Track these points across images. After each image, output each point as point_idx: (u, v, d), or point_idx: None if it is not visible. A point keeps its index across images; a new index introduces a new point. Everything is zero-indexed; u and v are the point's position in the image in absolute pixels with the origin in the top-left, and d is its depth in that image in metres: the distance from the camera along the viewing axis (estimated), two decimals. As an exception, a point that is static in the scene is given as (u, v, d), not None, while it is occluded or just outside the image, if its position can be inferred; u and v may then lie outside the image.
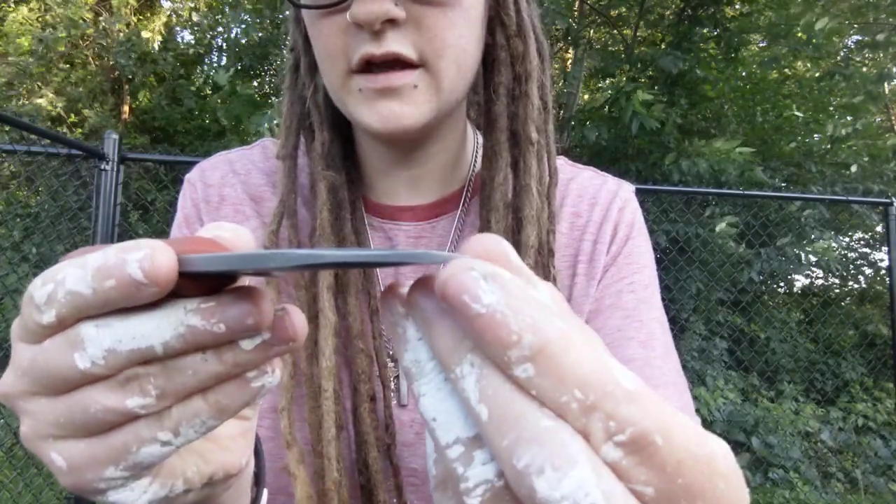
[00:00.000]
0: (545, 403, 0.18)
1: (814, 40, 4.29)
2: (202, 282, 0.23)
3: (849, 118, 5.21)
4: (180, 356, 0.24)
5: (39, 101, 5.90)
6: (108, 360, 0.23)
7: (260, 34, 5.78)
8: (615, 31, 5.53)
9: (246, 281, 0.26)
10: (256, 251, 0.21)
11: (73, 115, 6.17)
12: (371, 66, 0.48)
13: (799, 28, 4.40)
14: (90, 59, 6.32)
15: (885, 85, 4.97)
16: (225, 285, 0.25)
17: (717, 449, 0.19)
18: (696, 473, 0.18)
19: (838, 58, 5.04)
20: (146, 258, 0.21)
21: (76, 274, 0.23)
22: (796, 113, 5.44)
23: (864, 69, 5.10)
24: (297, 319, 0.25)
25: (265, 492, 0.43)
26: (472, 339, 0.20)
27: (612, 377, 0.18)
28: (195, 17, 6.68)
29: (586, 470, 0.17)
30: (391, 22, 0.46)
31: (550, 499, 0.17)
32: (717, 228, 4.00)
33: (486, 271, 0.19)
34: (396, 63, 0.48)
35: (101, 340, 0.23)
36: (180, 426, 0.25)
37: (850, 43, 5.13)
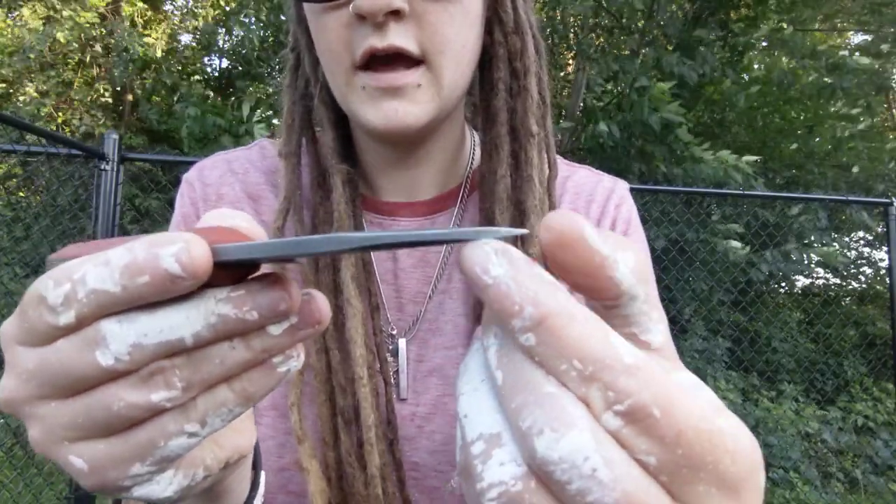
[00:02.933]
0: (549, 371, 0.20)
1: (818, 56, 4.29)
2: (226, 271, 0.24)
3: (850, 124, 5.21)
4: (207, 346, 0.24)
5: (29, 91, 5.87)
6: (134, 356, 0.23)
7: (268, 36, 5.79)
8: (624, 36, 5.52)
9: (268, 269, 0.26)
10: (305, 237, 0.21)
11: (69, 116, 6.16)
12: (374, 61, 0.48)
13: (807, 44, 4.41)
14: (92, 65, 6.31)
15: (890, 88, 4.97)
16: (247, 273, 0.25)
17: (725, 426, 0.19)
18: (697, 446, 0.19)
19: (838, 57, 5.03)
20: (183, 251, 0.21)
21: (99, 272, 0.22)
22: (795, 115, 5.45)
23: (863, 76, 5.10)
24: (323, 303, 0.25)
25: (262, 473, 0.44)
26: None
27: (613, 351, 0.19)
28: (198, 23, 6.68)
29: (585, 434, 0.18)
30: (394, 14, 0.46)
31: (549, 459, 0.18)
32: (724, 238, 4.00)
33: (498, 247, 0.21)
34: (399, 59, 0.48)
35: (125, 336, 0.23)
36: (207, 416, 0.25)
37: (851, 42, 5.14)
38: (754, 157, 3.95)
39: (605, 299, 0.22)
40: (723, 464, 0.19)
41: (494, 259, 0.20)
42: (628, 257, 0.22)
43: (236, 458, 0.33)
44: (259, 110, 4.59)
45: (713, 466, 0.19)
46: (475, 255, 0.21)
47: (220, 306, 0.23)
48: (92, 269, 0.22)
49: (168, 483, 0.27)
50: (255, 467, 0.43)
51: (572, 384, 0.19)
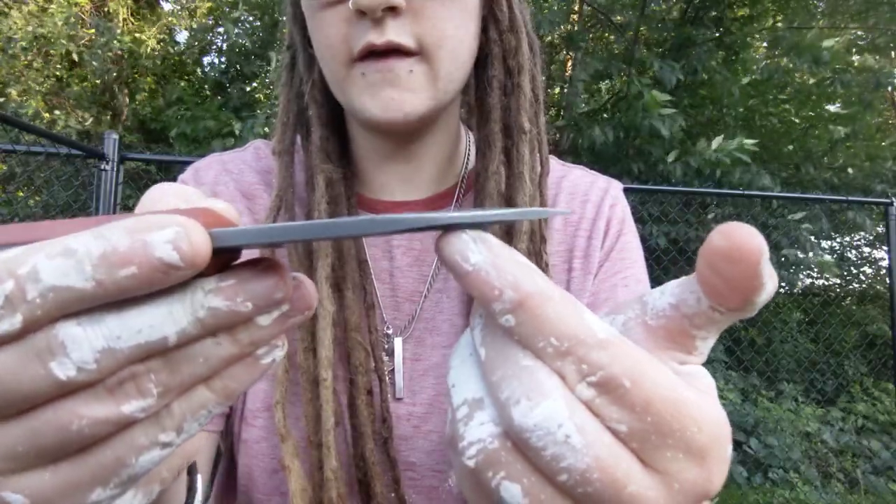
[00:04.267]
0: (528, 348, 0.21)
1: (819, 58, 4.29)
2: (211, 258, 0.21)
3: (845, 125, 5.21)
4: (190, 344, 0.21)
5: (12, 93, 5.83)
6: (103, 364, 0.19)
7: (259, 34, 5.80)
8: (615, 36, 5.53)
9: (256, 253, 0.25)
10: (337, 219, 0.20)
11: (64, 113, 6.13)
12: (371, 56, 0.49)
13: (804, 42, 4.40)
14: (81, 63, 6.28)
15: (887, 88, 4.97)
16: (229, 260, 0.22)
17: (692, 397, 0.20)
18: (665, 414, 0.20)
19: (836, 66, 5.03)
20: (181, 238, 0.19)
21: (58, 265, 0.18)
22: (794, 119, 5.44)
23: (861, 75, 5.09)
24: (312, 287, 0.24)
25: (199, 478, 0.42)
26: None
27: (586, 327, 0.20)
28: (193, 24, 6.66)
29: (559, 403, 0.20)
30: (392, 10, 0.47)
31: (524, 426, 0.20)
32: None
33: (476, 235, 0.21)
34: (396, 53, 0.49)
35: (91, 341, 0.19)
36: (184, 422, 0.22)
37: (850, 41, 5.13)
38: (751, 141, 3.93)
39: (724, 308, 0.21)
40: (689, 431, 0.20)
41: (473, 246, 0.21)
42: (769, 286, 0.21)
43: (186, 465, 0.30)
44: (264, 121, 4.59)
45: (680, 434, 0.20)
46: (454, 243, 0.21)
47: (209, 298, 0.20)
48: (45, 261, 0.18)
49: None
50: (191, 472, 0.41)
51: (549, 359, 0.20)
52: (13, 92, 5.87)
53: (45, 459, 0.20)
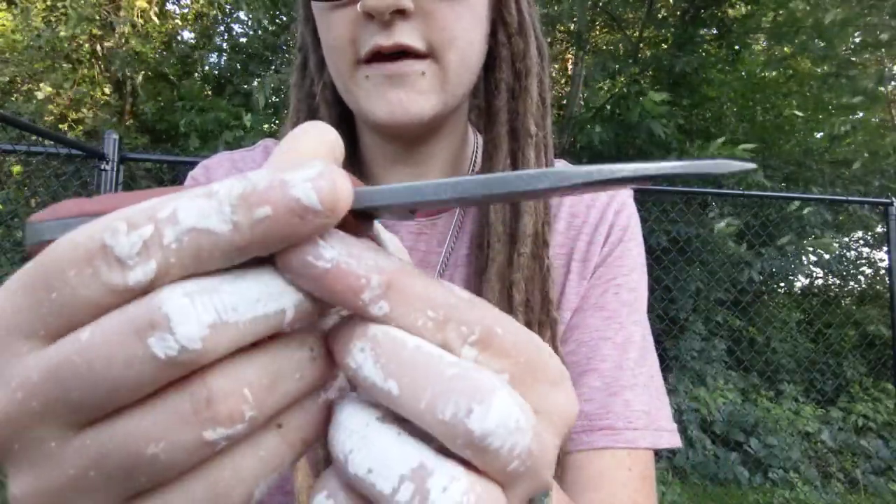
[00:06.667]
0: (409, 330, 0.20)
1: (823, 37, 4.29)
2: None
3: (850, 116, 5.21)
4: (297, 337, 0.20)
5: (37, 95, 5.86)
6: (211, 340, 0.17)
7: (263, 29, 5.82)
8: (620, 34, 5.55)
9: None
10: (498, 174, 0.19)
11: (72, 113, 6.16)
12: (378, 57, 0.49)
13: (808, 26, 4.40)
14: (93, 61, 6.31)
15: (886, 86, 4.97)
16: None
17: (533, 334, 0.22)
18: (531, 352, 0.21)
19: (842, 50, 5.00)
20: (323, 177, 0.17)
21: (200, 206, 0.17)
22: (796, 112, 5.45)
23: (865, 69, 5.09)
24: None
25: None
26: (325, 299, 0.20)
27: (451, 292, 0.21)
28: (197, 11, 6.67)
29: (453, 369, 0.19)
30: (400, 13, 0.47)
31: (486, 431, 0.18)
32: (716, 228, 4.02)
33: (322, 234, 0.19)
34: (405, 54, 0.48)
35: (200, 312, 0.17)
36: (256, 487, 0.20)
37: (852, 42, 5.12)
38: (751, 145, 3.96)
39: None
40: (548, 363, 0.21)
41: (323, 243, 0.19)
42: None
43: None
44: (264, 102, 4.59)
45: (543, 367, 0.21)
46: (300, 246, 0.19)
47: None
48: (187, 203, 0.17)
49: None
50: None
51: (430, 334, 0.20)
52: (39, 94, 5.90)
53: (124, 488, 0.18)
